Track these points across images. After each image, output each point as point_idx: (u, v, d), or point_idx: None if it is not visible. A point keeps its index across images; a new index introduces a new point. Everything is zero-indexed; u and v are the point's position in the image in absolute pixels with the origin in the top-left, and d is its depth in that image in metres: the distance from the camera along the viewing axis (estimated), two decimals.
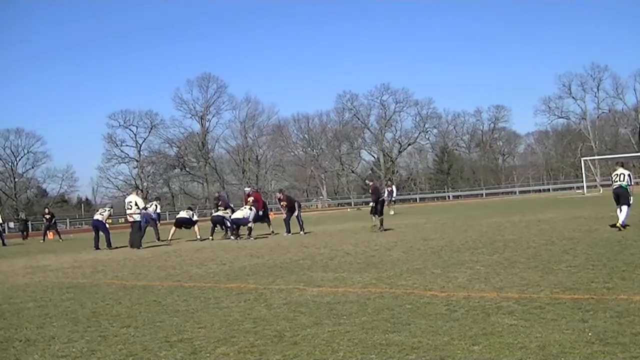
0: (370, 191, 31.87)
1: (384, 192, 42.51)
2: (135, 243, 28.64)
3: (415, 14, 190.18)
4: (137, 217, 29.23)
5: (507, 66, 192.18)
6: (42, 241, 44.98)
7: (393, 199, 52.10)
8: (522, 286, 11.23)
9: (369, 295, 11.37)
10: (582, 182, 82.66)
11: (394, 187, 54.18)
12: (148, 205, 34.14)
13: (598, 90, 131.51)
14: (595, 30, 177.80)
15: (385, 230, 29.35)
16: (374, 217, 30.24)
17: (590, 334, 7.60)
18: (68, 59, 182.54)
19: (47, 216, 48.61)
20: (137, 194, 30.92)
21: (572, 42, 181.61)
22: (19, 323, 10.84)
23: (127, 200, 30.53)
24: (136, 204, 29.31)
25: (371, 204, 30.71)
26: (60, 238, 46.33)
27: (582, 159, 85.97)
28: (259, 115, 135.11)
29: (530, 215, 34.80)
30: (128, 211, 29.45)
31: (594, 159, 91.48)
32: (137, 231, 29.12)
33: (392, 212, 48.21)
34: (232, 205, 38.05)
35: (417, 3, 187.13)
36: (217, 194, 40.71)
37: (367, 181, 38.52)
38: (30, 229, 51.10)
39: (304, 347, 7.86)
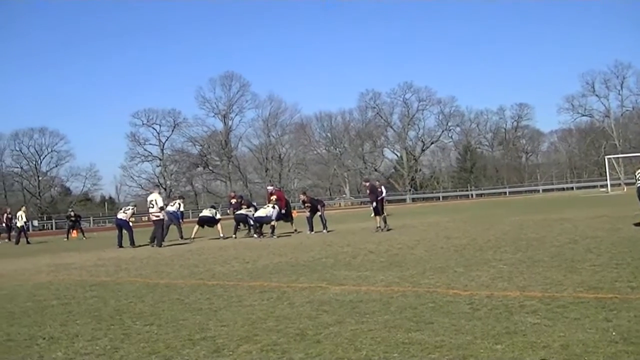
0: (367, 192, 31.73)
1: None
2: (157, 241, 28.79)
3: (438, 13, 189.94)
4: (160, 215, 29.40)
5: (530, 64, 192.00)
6: (65, 239, 45.27)
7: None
8: (546, 285, 11.19)
9: (391, 293, 11.35)
10: (606, 180, 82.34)
11: (382, 188, 53.90)
12: (171, 204, 34.30)
13: (622, 88, 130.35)
14: (618, 28, 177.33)
15: (389, 230, 29.37)
16: (377, 218, 30.22)
17: (613, 333, 7.57)
18: (91, 58, 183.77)
19: (72, 219, 48.99)
20: (158, 193, 31.22)
21: (595, 40, 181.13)
22: (43, 321, 10.88)
23: (149, 199, 30.88)
24: (156, 202, 29.52)
25: (373, 204, 30.50)
26: (84, 236, 46.59)
27: (606, 157, 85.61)
28: (282, 114, 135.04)
29: (553, 213, 34.71)
30: (150, 210, 29.73)
31: (618, 157, 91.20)
32: (160, 229, 29.28)
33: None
34: (254, 204, 38.15)
35: (439, 2, 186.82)
36: (232, 193, 40.78)
37: (363, 182, 38.34)
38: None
39: (327, 346, 7.86)
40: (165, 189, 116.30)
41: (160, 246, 28.50)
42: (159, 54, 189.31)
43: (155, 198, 29.98)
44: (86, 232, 50.34)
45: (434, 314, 9.32)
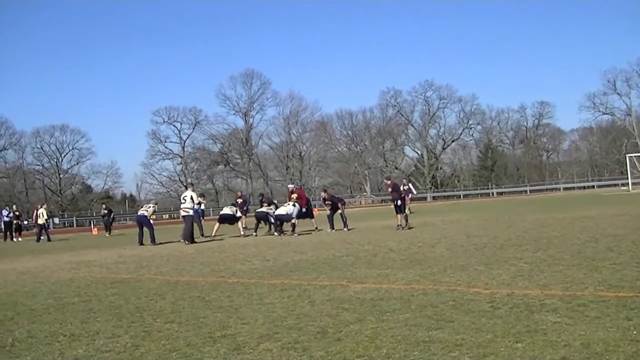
0: (390, 190, 31.61)
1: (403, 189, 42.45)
2: (186, 237, 28.97)
3: (459, 11, 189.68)
4: (190, 212, 29.62)
5: (551, 62, 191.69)
6: (107, 235, 45.83)
7: (410, 197, 52.22)
8: (566, 283, 11.17)
9: (412, 291, 11.35)
10: (627, 178, 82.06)
11: (410, 185, 54.07)
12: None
13: None
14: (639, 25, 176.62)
15: (410, 228, 29.32)
16: (398, 216, 30.16)
17: (634, 332, 7.54)
18: (113, 55, 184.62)
19: (105, 211, 49.72)
20: (193, 190, 31.61)
21: (616, 38, 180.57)
22: (64, 318, 10.93)
23: (182, 195, 31.49)
24: (191, 199, 29.90)
25: (397, 202, 30.37)
26: (109, 234, 47.03)
27: (627, 155, 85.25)
28: (303, 112, 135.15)
29: (574, 212, 34.62)
30: (182, 205, 30.28)
31: (639, 156, 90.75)
32: (189, 225, 29.48)
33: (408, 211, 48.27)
34: (275, 202, 38.23)
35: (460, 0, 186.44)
36: (239, 193, 40.71)
37: (385, 180, 38.30)
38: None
39: (347, 344, 7.86)
40: (185, 187, 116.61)
41: (188, 241, 28.68)
42: (180, 51, 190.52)
43: (191, 195, 30.52)
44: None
45: (455, 312, 9.31)
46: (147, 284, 15.07)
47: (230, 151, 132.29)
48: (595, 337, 7.39)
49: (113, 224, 50.38)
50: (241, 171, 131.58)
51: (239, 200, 35.97)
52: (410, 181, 58.92)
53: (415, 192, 55.13)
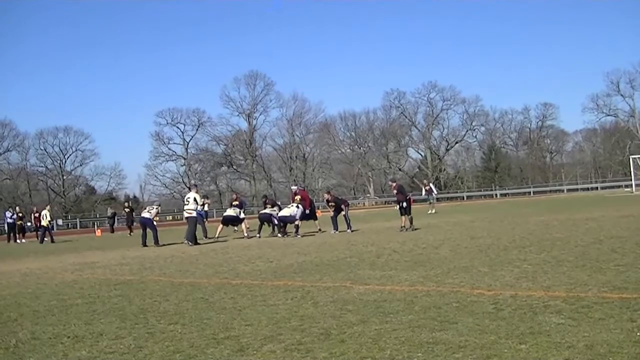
0: (395, 192, 31.49)
1: (422, 191, 42.23)
2: (189, 238, 28.96)
3: (462, 12, 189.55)
4: (193, 213, 29.58)
5: (554, 63, 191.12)
6: (129, 234, 46.26)
7: (434, 197, 52.28)
8: (570, 285, 11.16)
9: (416, 293, 11.35)
10: (631, 180, 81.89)
11: (432, 186, 54.23)
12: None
13: None
14: None
15: (415, 229, 29.27)
16: (403, 218, 30.09)
17: (638, 333, 7.53)
18: (116, 57, 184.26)
19: (127, 210, 50.26)
20: (196, 192, 31.41)
21: (620, 39, 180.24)
22: (68, 319, 10.94)
23: (186, 196, 31.39)
24: (195, 200, 29.80)
25: (402, 204, 30.25)
26: (130, 233, 47.40)
27: (631, 157, 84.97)
28: (306, 113, 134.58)
29: (578, 213, 34.57)
30: (185, 206, 30.16)
31: None
32: (192, 226, 29.45)
33: (431, 211, 48.53)
34: (279, 203, 38.22)
35: (464, 1, 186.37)
36: (235, 195, 40.58)
37: (390, 182, 38.22)
38: (116, 223, 53.38)
39: (351, 345, 7.86)
40: (189, 188, 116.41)
41: (192, 243, 28.68)
42: (184, 53, 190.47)
43: (194, 196, 30.39)
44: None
45: (458, 313, 9.31)
46: (150, 285, 15.09)
47: (234, 153, 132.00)
48: (599, 339, 7.40)
49: (133, 223, 50.64)
50: (245, 173, 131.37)
51: (235, 203, 35.96)
52: (431, 182, 59.38)
53: (435, 192, 55.37)
